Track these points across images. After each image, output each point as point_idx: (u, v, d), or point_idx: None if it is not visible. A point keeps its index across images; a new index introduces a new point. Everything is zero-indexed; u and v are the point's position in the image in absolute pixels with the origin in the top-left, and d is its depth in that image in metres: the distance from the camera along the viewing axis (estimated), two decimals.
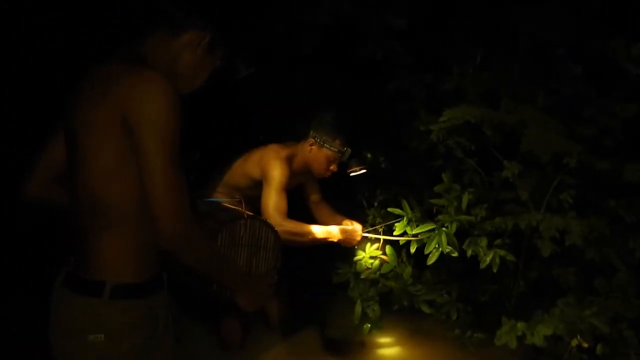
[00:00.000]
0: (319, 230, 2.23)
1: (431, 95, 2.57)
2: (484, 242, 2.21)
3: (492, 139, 2.20)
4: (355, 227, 2.38)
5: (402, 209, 2.32)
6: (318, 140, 2.31)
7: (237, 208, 1.52)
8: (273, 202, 2.15)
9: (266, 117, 2.90)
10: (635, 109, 1.83)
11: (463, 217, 2.19)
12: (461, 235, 2.29)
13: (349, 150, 2.33)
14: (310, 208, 2.64)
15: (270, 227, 1.43)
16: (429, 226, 2.18)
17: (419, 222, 2.26)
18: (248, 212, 1.42)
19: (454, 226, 2.14)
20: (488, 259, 2.18)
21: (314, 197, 2.64)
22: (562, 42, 2.29)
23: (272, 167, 2.21)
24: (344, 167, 2.48)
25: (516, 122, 1.73)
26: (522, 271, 2.50)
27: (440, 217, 2.19)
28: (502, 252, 2.21)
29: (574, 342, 2.11)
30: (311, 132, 2.33)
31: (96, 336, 0.98)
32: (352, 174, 2.45)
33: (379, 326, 2.50)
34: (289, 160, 2.32)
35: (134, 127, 0.95)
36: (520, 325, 2.27)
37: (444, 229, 2.12)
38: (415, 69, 2.60)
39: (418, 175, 2.76)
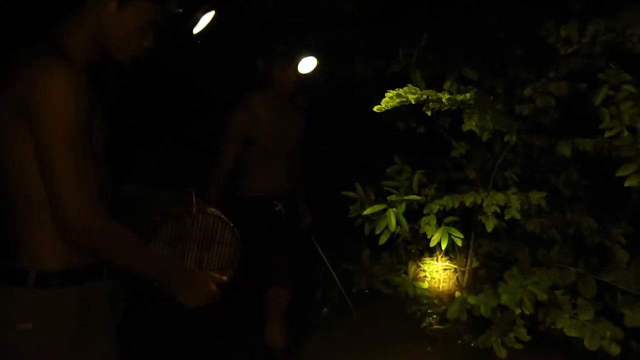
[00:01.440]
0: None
1: (384, 80, 2.63)
2: (433, 220, 2.30)
3: (442, 121, 2.28)
4: None
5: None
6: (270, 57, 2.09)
7: (195, 200, 1.39)
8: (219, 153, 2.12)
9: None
10: (568, 88, 1.93)
11: (412, 197, 2.27)
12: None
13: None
14: None
15: (226, 222, 1.33)
16: (380, 207, 2.24)
17: (371, 204, 2.32)
18: (202, 206, 1.31)
19: (403, 206, 2.21)
20: (437, 237, 2.28)
21: None
22: (505, 26, 2.37)
23: None
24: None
25: (459, 103, 1.80)
26: (473, 247, 2.62)
27: (390, 197, 2.26)
28: (451, 230, 2.30)
29: (518, 311, 2.23)
30: None
31: (24, 325, 0.97)
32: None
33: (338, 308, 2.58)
34: (248, 104, 2.16)
35: (31, 116, 0.91)
36: (470, 298, 2.39)
37: (392, 209, 2.20)
38: (369, 54, 2.65)
39: (374, 158, 2.83)
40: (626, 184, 1.66)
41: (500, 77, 2.23)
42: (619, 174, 1.68)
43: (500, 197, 2.15)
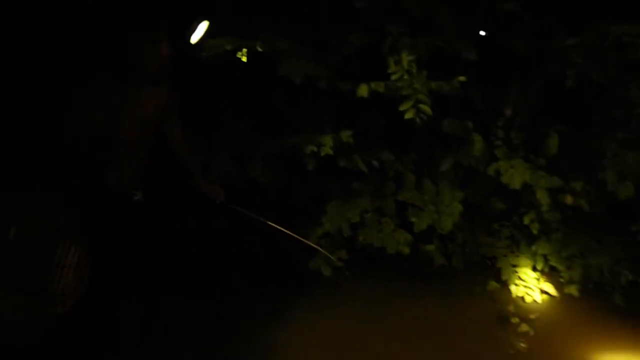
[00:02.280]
0: None
1: None
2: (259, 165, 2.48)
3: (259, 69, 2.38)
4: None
5: None
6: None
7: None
8: None
9: None
10: (363, 38, 2.24)
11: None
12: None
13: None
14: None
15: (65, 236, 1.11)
16: None
17: None
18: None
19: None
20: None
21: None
22: None
23: None
24: None
25: (271, 51, 1.95)
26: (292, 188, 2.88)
27: None
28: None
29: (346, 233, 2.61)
30: None
31: None
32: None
33: None
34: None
35: None
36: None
37: None
38: None
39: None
40: (405, 116, 2.06)
41: (312, 31, 2.45)
42: (401, 108, 2.08)
43: (315, 138, 2.43)
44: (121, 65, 1.74)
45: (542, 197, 2.09)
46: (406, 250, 2.39)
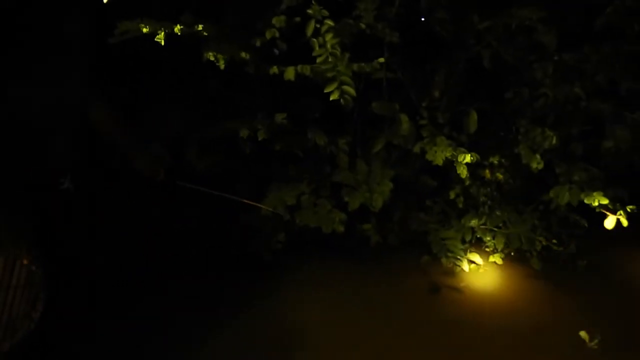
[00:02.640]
0: None
1: None
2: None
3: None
4: None
5: None
6: None
7: None
8: None
9: None
10: (287, 21, 2.27)
11: None
12: None
13: None
14: None
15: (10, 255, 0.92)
16: None
17: None
18: None
19: None
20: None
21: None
22: None
23: None
24: None
25: (190, 34, 1.95)
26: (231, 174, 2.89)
27: None
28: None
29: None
30: None
31: None
32: None
33: None
34: None
35: None
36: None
37: None
38: None
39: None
40: (331, 98, 2.13)
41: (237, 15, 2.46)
42: (326, 90, 2.14)
43: (255, 123, 2.45)
44: (41, 42, 1.62)
45: (462, 172, 2.23)
46: (340, 228, 2.47)
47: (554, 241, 2.62)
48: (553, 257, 2.73)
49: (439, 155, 2.28)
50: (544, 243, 2.62)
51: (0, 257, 0.89)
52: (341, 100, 2.11)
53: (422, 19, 2.43)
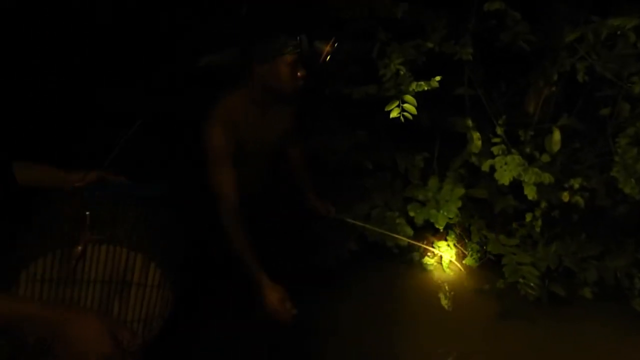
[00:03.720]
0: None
1: None
2: None
3: None
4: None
5: None
6: (259, 57, 1.64)
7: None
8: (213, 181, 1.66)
9: None
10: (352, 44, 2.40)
11: None
12: None
13: (303, 36, 1.65)
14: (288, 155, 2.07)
15: (147, 256, 0.98)
16: None
17: None
18: (102, 232, 0.97)
19: None
20: None
21: (294, 137, 2.02)
22: None
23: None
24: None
25: None
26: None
27: None
28: None
29: None
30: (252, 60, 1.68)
31: None
32: (328, 58, 1.72)
33: None
34: (227, 113, 1.69)
35: None
36: None
37: None
38: None
39: None
40: (391, 115, 2.22)
41: None
42: (387, 108, 2.24)
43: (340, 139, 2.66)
44: None
45: (529, 193, 2.10)
46: (404, 242, 2.51)
47: None
48: None
49: (506, 174, 2.18)
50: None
51: (142, 260, 0.95)
52: (401, 117, 2.19)
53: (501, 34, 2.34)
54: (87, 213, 0.96)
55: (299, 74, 1.66)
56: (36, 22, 2.20)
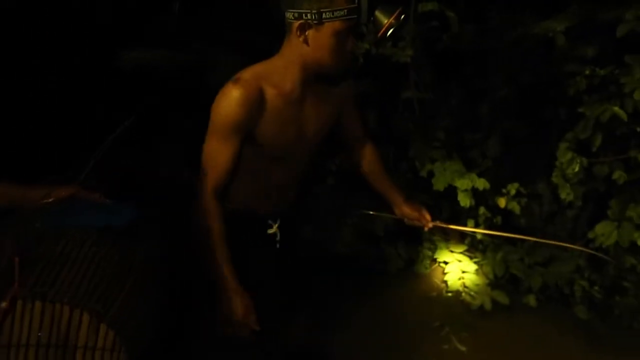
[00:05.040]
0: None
1: None
2: None
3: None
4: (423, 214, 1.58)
5: None
6: (309, 16, 1.19)
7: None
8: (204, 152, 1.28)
9: None
10: None
11: None
12: None
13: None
14: (352, 156, 1.59)
15: (95, 311, 0.78)
16: None
17: None
18: (34, 283, 0.77)
19: None
20: None
21: (355, 131, 1.55)
22: None
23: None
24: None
25: (196, 61, 2.18)
26: None
27: None
28: None
29: None
30: (289, 14, 1.22)
31: None
32: (389, 32, 1.40)
33: None
34: (256, 79, 1.25)
35: None
36: None
37: None
38: None
39: None
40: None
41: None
42: None
43: None
44: None
45: (462, 200, 2.05)
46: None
47: (596, 288, 2.19)
48: (607, 308, 2.28)
49: (441, 180, 2.13)
50: (587, 289, 2.21)
51: (85, 314, 0.77)
52: None
53: (444, 36, 2.30)
54: (17, 259, 0.75)
55: (349, 45, 1.25)
56: (36, 22, 2.15)
